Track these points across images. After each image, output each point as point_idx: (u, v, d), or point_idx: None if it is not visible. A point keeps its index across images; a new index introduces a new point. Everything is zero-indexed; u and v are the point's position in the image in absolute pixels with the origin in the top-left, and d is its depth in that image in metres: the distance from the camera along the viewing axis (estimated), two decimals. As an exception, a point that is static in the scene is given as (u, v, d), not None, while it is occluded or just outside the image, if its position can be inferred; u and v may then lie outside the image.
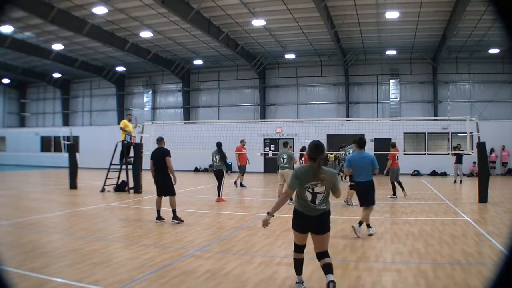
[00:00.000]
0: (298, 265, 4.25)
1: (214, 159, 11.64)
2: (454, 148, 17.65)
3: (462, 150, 16.46)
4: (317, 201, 3.97)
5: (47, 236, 7.09)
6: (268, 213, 4.13)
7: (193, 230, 7.56)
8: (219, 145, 11.78)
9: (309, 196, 3.97)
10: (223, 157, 11.60)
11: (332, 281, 3.82)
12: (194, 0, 16.69)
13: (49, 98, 33.69)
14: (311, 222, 4.03)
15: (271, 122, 24.49)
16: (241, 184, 15.70)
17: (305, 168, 4.14)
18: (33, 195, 13.52)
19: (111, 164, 14.17)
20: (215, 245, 6.41)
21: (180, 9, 16.52)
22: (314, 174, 3.94)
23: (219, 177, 11.56)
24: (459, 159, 17.27)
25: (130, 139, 13.91)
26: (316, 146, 4.03)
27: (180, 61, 26.82)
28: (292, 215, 4.14)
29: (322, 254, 4.06)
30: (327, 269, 3.95)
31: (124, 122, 14.13)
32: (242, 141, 16.11)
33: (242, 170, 15.85)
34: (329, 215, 4.11)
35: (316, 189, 3.96)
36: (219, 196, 11.46)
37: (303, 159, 13.36)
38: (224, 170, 11.55)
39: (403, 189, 12.24)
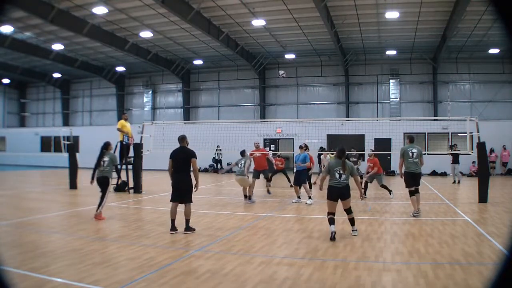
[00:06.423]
0: (332, 220, 6.78)
1: (102, 162, 9.00)
2: (451, 147, 17.58)
3: (459, 150, 16.40)
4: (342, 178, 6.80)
5: (47, 236, 7.09)
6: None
7: (193, 230, 7.55)
8: (103, 146, 9.13)
9: (337, 175, 6.75)
10: (112, 160, 9.05)
11: (353, 230, 7.00)
12: (194, 0, 16.69)
13: (49, 98, 33.70)
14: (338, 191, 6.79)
15: (271, 122, 24.48)
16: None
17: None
18: (33, 195, 13.51)
19: (111, 164, 14.14)
20: (215, 245, 6.40)
21: (180, 9, 16.52)
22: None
23: (104, 187, 8.91)
24: (455, 159, 17.05)
25: (128, 140, 13.71)
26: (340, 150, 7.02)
27: (180, 61, 26.82)
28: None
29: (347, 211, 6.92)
30: (351, 221, 7.02)
31: (121, 122, 13.77)
32: (254, 143, 13.40)
33: (254, 176, 12.54)
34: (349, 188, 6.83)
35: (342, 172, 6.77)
36: (97, 210, 8.61)
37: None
38: (110, 178, 9.02)
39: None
